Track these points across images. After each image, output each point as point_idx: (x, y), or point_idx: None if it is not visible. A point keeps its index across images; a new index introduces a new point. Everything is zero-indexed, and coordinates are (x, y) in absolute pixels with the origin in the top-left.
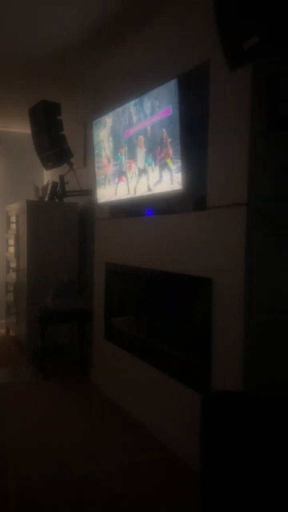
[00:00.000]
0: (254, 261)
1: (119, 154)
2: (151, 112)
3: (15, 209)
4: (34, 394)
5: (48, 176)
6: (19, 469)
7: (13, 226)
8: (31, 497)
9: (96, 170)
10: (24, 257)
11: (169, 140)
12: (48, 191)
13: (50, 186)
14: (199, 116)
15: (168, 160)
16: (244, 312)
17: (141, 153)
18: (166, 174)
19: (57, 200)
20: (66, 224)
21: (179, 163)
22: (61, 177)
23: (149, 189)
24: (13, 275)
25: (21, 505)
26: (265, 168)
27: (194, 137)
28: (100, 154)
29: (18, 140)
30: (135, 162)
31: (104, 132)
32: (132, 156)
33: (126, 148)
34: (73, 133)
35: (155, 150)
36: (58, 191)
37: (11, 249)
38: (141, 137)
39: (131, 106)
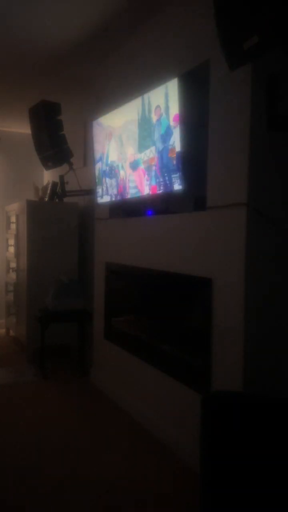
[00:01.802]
0: (254, 261)
1: (120, 151)
2: (151, 112)
3: (15, 209)
4: (34, 394)
5: (48, 176)
6: (19, 468)
7: (13, 226)
8: (31, 496)
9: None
10: (24, 257)
11: (169, 139)
12: (48, 191)
13: (50, 186)
14: (199, 115)
15: (168, 159)
16: (244, 312)
17: (140, 151)
18: (165, 173)
19: (57, 200)
20: (66, 224)
21: (179, 162)
22: (61, 177)
23: (148, 188)
24: (13, 275)
25: (21, 503)
26: (265, 168)
27: (194, 136)
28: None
29: (18, 140)
30: (135, 160)
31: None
32: (131, 154)
33: (127, 146)
34: (73, 133)
35: (155, 149)
36: (58, 191)
37: (11, 249)
38: (141, 136)
39: (131, 106)
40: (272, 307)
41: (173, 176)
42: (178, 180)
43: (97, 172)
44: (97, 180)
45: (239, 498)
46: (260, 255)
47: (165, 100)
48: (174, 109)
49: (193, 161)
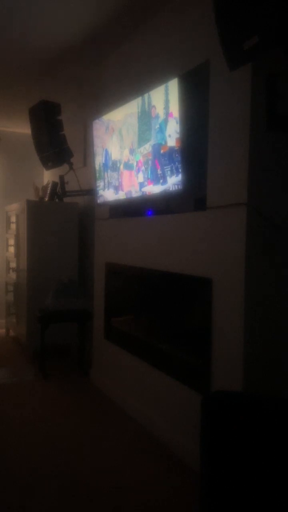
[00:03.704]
0: (254, 261)
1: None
2: (151, 112)
3: (15, 209)
4: (34, 394)
5: (48, 176)
6: (19, 468)
7: (13, 226)
8: (32, 495)
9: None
10: (24, 257)
11: (169, 139)
12: (48, 191)
13: (50, 186)
14: (199, 115)
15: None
16: (244, 312)
17: (139, 150)
18: (166, 173)
19: (57, 200)
20: (66, 224)
21: (179, 162)
22: (61, 177)
23: (144, 187)
24: (13, 275)
25: (22, 503)
26: (265, 168)
27: (194, 136)
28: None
29: (18, 140)
30: (135, 159)
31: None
32: (132, 154)
33: (127, 146)
34: (73, 133)
35: (156, 148)
36: (58, 191)
37: (11, 249)
38: (142, 136)
39: (131, 106)
40: (272, 307)
41: (166, 168)
42: (172, 172)
43: (97, 166)
44: (97, 175)
45: (239, 497)
46: (260, 255)
47: (165, 100)
48: (174, 109)
49: (193, 161)
